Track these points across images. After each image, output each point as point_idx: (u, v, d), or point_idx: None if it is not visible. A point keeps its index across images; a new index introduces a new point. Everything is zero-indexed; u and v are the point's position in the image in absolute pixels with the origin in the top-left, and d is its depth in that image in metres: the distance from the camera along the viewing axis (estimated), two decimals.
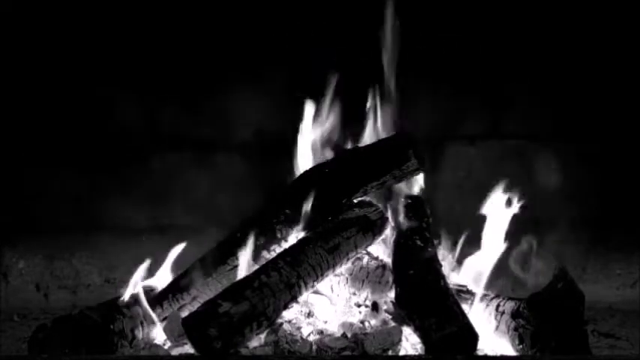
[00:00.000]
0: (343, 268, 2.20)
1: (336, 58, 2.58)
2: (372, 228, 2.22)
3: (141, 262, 2.25)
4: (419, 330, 1.92)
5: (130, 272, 2.22)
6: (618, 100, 2.81)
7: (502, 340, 2.02)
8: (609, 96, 2.81)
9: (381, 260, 2.26)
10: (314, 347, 1.99)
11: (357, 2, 2.68)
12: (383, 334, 2.00)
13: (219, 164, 2.86)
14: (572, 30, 2.79)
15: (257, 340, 1.99)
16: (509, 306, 2.04)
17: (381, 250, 2.31)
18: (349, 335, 2.03)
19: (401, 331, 2.02)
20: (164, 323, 2.11)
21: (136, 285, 2.15)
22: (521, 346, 1.93)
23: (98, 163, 2.84)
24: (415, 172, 2.28)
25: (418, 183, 2.43)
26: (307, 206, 2.21)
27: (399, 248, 2.20)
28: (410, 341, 2.03)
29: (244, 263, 2.13)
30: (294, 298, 2.03)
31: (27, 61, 2.79)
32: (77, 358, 1.88)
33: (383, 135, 2.42)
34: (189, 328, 1.88)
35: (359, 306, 2.21)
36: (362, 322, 2.12)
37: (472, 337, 1.85)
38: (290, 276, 2.00)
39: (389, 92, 2.44)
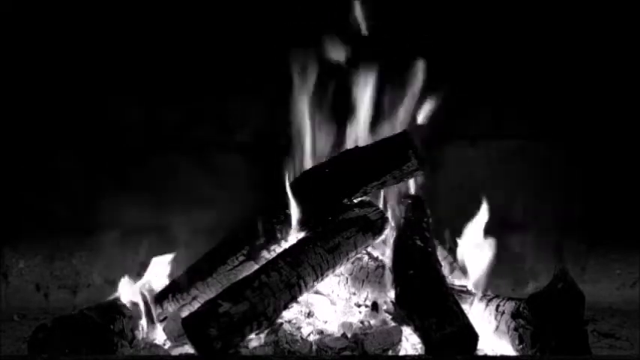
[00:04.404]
0: (343, 268, 2.20)
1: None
2: (372, 228, 2.22)
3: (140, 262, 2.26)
4: (419, 330, 1.92)
5: (130, 272, 2.23)
6: (621, 100, 2.81)
7: (502, 340, 2.02)
8: (612, 96, 2.81)
9: (381, 260, 2.26)
10: (314, 347, 1.99)
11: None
12: (383, 334, 2.00)
13: (220, 164, 2.86)
14: (573, 29, 2.79)
15: (257, 340, 1.99)
16: (509, 306, 2.04)
17: (381, 250, 2.31)
18: (349, 335, 2.03)
19: (401, 331, 2.02)
20: (164, 323, 2.12)
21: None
22: (521, 346, 1.93)
23: (98, 163, 2.84)
24: (415, 172, 2.28)
25: (418, 183, 2.44)
26: (307, 206, 2.21)
27: (399, 248, 2.20)
28: (410, 341, 2.03)
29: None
30: (294, 298, 2.03)
31: (27, 61, 2.79)
32: (77, 358, 1.88)
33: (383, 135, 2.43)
34: (189, 328, 1.88)
35: (359, 306, 2.21)
36: (362, 322, 2.12)
37: (472, 337, 1.85)
38: (290, 276, 2.00)
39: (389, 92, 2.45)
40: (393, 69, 2.49)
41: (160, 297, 2.18)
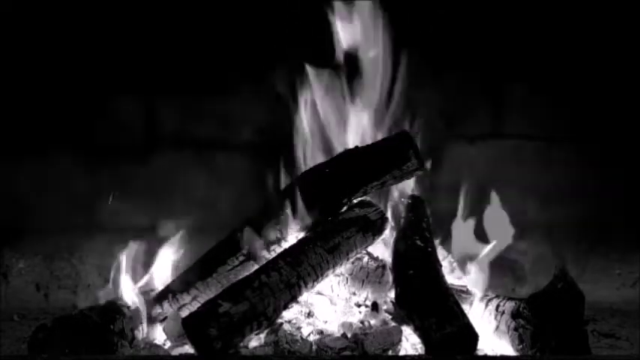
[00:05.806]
0: (343, 268, 2.20)
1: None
2: (372, 228, 2.22)
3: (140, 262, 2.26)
4: (419, 330, 1.92)
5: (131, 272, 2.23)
6: (618, 100, 2.81)
7: (502, 340, 2.02)
8: (609, 96, 2.81)
9: (381, 260, 2.26)
10: (314, 347, 1.99)
11: None
12: (383, 334, 2.00)
13: (220, 164, 2.86)
14: (574, 29, 2.79)
15: (257, 340, 1.99)
16: (509, 306, 2.04)
17: (381, 250, 2.31)
18: (349, 335, 2.03)
19: (401, 331, 2.02)
20: (164, 323, 2.12)
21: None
22: (521, 346, 1.93)
23: (98, 163, 2.84)
24: (415, 172, 2.28)
25: (418, 183, 2.44)
26: (307, 206, 2.21)
27: (399, 248, 2.20)
28: (410, 341, 2.03)
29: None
30: (294, 298, 2.03)
31: (27, 60, 2.79)
32: (77, 358, 1.88)
33: (383, 135, 2.43)
34: (189, 328, 1.88)
35: (359, 306, 2.21)
36: (362, 322, 2.12)
37: (472, 337, 1.85)
38: (290, 276, 2.00)
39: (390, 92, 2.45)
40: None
41: (160, 297, 2.18)
